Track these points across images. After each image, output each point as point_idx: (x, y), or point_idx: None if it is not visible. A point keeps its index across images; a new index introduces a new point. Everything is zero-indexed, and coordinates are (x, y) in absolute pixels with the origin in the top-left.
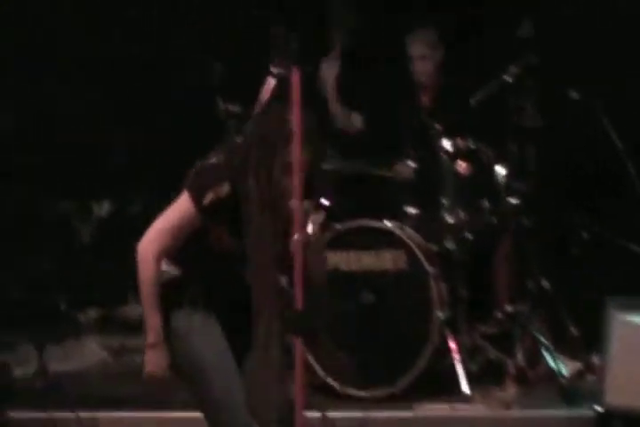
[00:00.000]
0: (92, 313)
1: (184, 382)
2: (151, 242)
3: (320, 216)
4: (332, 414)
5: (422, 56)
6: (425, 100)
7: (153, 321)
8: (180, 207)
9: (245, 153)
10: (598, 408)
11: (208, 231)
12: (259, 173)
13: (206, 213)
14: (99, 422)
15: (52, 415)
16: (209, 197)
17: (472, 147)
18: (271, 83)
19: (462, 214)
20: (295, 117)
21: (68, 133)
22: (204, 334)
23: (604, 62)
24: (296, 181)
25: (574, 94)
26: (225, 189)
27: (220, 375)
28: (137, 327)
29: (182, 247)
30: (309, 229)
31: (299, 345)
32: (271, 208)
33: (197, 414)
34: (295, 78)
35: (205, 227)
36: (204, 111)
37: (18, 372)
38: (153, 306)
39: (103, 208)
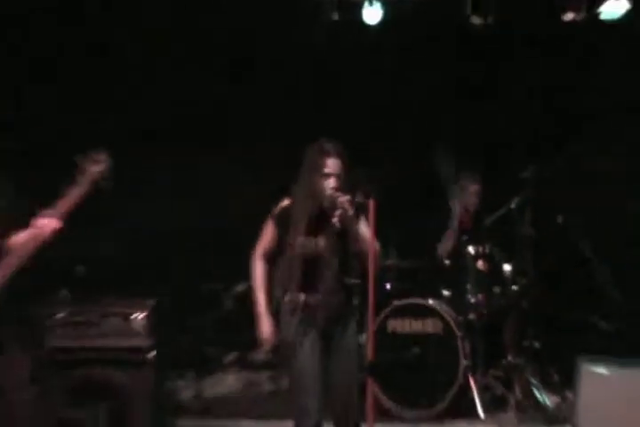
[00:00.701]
0: (232, 356)
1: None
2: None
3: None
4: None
5: (477, 192)
6: (466, 221)
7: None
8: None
9: None
10: None
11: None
12: None
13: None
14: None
15: (204, 423)
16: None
17: (487, 251)
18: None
19: (480, 296)
20: (371, 239)
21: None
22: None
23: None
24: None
25: (560, 218)
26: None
27: (302, 365)
28: (260, 368)
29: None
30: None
31: (370, 383)
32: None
33: None
34: (372, 207)
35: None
36: None
37: (183, 395)
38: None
39: (240, 287)
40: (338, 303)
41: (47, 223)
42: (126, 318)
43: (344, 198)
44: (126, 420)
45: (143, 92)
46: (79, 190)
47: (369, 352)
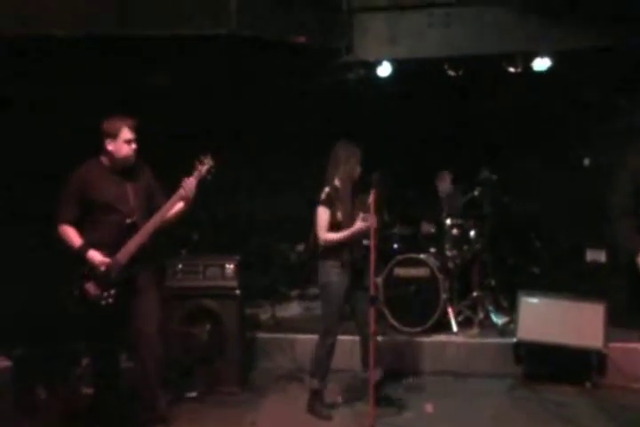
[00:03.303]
0: (295, 292)
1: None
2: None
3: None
4: (394, 338)
5: (451, 182)
6: (444, 202)
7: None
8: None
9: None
10: (514, 339)
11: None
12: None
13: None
14: (295, 341)
15: (276, 336)
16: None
17: (459, 222)
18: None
19: (455, 252)
20: (372, 218)
21: None
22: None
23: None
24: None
25: (506, 199)
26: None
27: (332, 296)
28: (313, 299)
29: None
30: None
31: (372, 313)
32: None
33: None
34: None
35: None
36: None
37: (262, 317)
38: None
39: (299, 247)
40: (362, 258)
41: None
42: (222, 267)
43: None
44: (223, 335)
45: None
46: (193, 182)
47: (372, 289)
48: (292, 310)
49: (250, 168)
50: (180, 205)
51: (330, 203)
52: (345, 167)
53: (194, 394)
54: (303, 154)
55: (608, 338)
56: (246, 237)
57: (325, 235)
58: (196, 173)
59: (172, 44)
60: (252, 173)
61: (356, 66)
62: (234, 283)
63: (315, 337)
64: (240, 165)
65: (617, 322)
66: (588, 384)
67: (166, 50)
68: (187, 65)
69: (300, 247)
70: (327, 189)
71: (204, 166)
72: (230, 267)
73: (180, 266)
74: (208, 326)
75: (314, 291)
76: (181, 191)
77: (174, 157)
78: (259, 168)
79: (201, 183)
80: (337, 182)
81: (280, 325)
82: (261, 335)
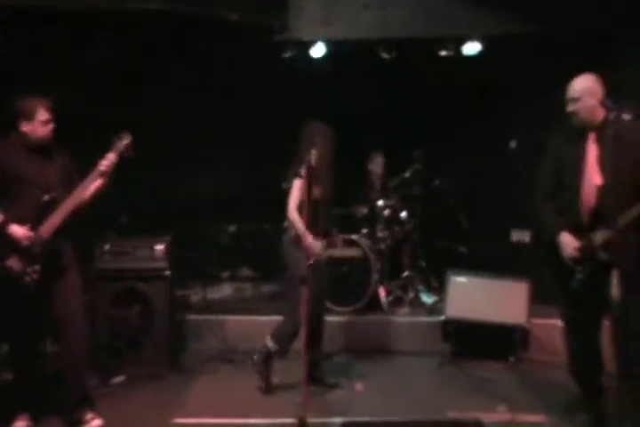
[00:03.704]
0: (226, 274)
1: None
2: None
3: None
4: (327, 318)
5: (382, 165)
6: (377, 184)
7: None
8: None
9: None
10: (442, 317)
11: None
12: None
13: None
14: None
15: (207, 318)
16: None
17: (392, 203)
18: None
19: (386, 233)
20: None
21: None
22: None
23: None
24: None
25: (436, 181)
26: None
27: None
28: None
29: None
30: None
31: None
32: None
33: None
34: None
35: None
36: None
37: (193, 299)
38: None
39: (231, 227)
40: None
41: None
42: (151, 248)
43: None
44: (152, 317)
45: None
46: (112, 157)
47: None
48: (223, 291)
49: (178, 148)
50: (99, 182)
51: (308, 179)
52: (319, 145)
53: (122, 377)
54: (235, 133)
55: (531, 315)
56: (176, 218)
57: (293, 210)
58: (114, 149)
59: (98, 19)
60: (181, 152)
61: (290, 46)
62: (164, 264)
63: (246, 318)
64: (169, 145)
65: (540, 299)
66: (511, 359)
67: (93, 25)
68: (115, 42)
69: (232, 228)
70: (304, 166)
71: (122, 142)
72: (160, 248)
73: (107, 247)
74: (137, 309)
75: (245, 272)
76: (100, 167)
77: (95, 138)
78: (188, 147)
79: (121, 159)
80: (313, 160)
81: (211, 306)
82: (192, 317)
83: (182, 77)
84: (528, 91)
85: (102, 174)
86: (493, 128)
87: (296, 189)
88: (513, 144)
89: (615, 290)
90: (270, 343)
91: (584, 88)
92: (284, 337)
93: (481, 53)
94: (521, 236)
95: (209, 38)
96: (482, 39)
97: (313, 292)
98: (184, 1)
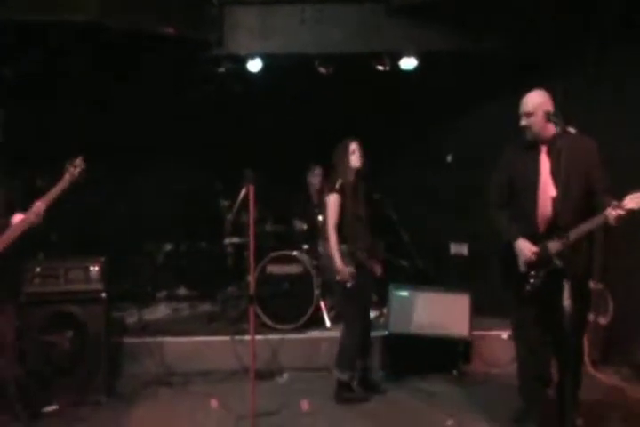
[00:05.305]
0: (162, 294)
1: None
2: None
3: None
4: (269, 336)
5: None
6: (315, 198)
7: (339, 260)
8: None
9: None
10: (386, 332)
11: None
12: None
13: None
14: (163, 344)
15: (143, 340)
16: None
17: None
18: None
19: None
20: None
21: None
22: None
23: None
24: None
25: (376, 195)
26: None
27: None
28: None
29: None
30: None
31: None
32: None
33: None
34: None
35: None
36: None
37: (128, 321)
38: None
39: (167, 246)
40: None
41: (39, 206)
42: (85, 269)
43: None
44: (86, 341)
45: None
46: (63, 185)
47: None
48: (160, 311)
49: (110, 165)
50: (32, 219)
51: (342, 193)
52: (350, 160)
53: (54, 407)
54: (169, 149)
55: (472, 327)
56: (110, 237)
57: (332, 231)
58: (67, 177)
59: (34, 31)
60: (113, 170)
61: (226, 60)
62: (99, 286)
63: (184, 339)
64: (101, 163)
65: (480, 311)
66: (454, 372)
67: (28, 36)
68: (49, 54)
69: (168, 247)
70: (340, 181)
71: (76, 169)
72: (94, 269)
73: (38, 269)
74: (70, 333)
75: (182, 291)
76: (31, 217)
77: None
78: (120, 165)
79: (73, 186)
80: (346, 174)
81: (147, 328)
82: (128, 340)
83: (113, 93)
84: (461, 106)
85: (32, 224)
86: (432, 142)
87: (332, 206)
88: (449, 158)
89: (567, 302)
90: (339, 375)
91: (538, 103)
92: (348, 355)
93: (417, 69)
94: (459, 249)
95: (142, 52)
96: (417, 55)
97: (362, 304)
98: (115, 13)
